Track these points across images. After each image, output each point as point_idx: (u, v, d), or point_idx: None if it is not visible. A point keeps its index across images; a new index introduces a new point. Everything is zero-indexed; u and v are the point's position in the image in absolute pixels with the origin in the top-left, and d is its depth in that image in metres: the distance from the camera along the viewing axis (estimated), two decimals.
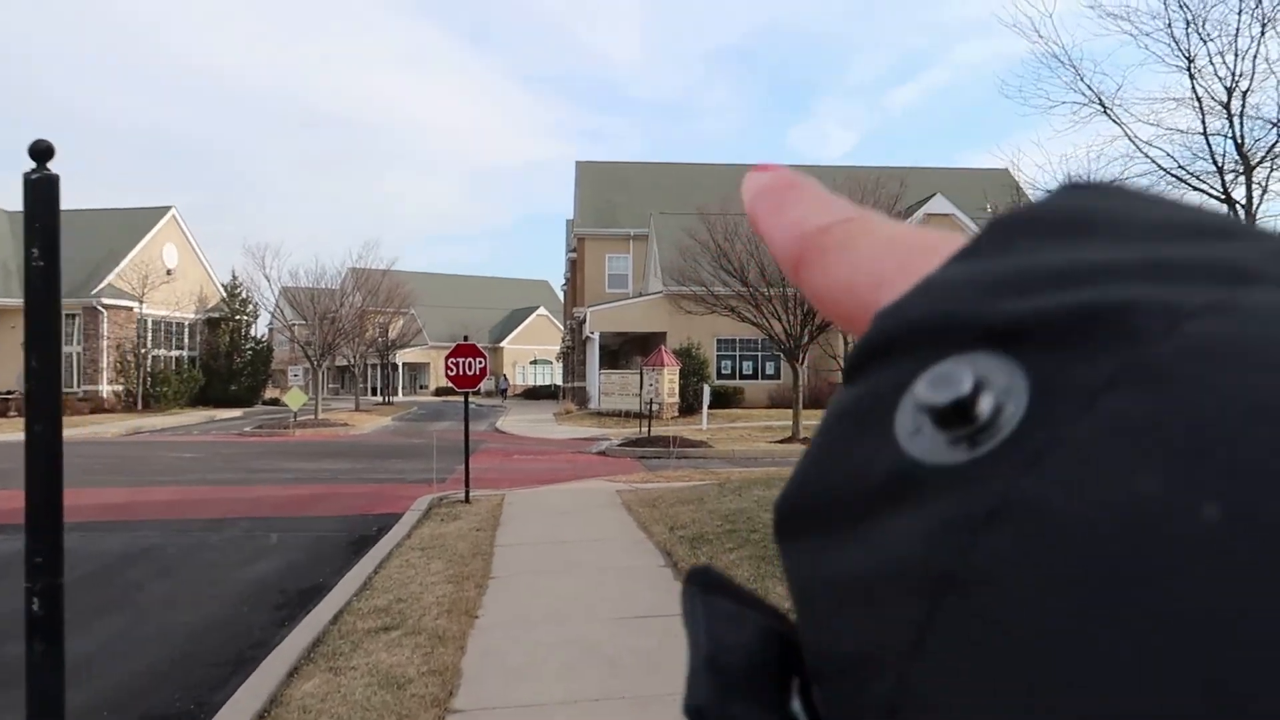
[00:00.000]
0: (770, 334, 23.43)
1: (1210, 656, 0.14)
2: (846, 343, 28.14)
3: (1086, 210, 0.22)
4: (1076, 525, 0.16)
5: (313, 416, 32.02)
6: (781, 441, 22.88)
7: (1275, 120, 16.05)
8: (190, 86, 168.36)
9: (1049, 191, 0.24)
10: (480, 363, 11.78)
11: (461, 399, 12.13)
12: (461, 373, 11.74)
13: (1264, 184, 16.61)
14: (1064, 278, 0.20)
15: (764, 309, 23.14)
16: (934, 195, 34.51)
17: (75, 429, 29.68)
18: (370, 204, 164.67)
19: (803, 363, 23.54)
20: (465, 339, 11.94)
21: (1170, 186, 17.45)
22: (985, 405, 0.19)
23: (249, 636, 6.31)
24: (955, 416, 0.19)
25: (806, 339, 23.17)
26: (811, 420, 24.35)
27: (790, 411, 32.35)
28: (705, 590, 0.24)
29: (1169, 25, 16.45)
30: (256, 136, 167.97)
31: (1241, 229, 0.21)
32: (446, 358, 11.72)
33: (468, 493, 11.90)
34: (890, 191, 24.66)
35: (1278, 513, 0.14)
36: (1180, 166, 17.19)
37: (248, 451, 21.45)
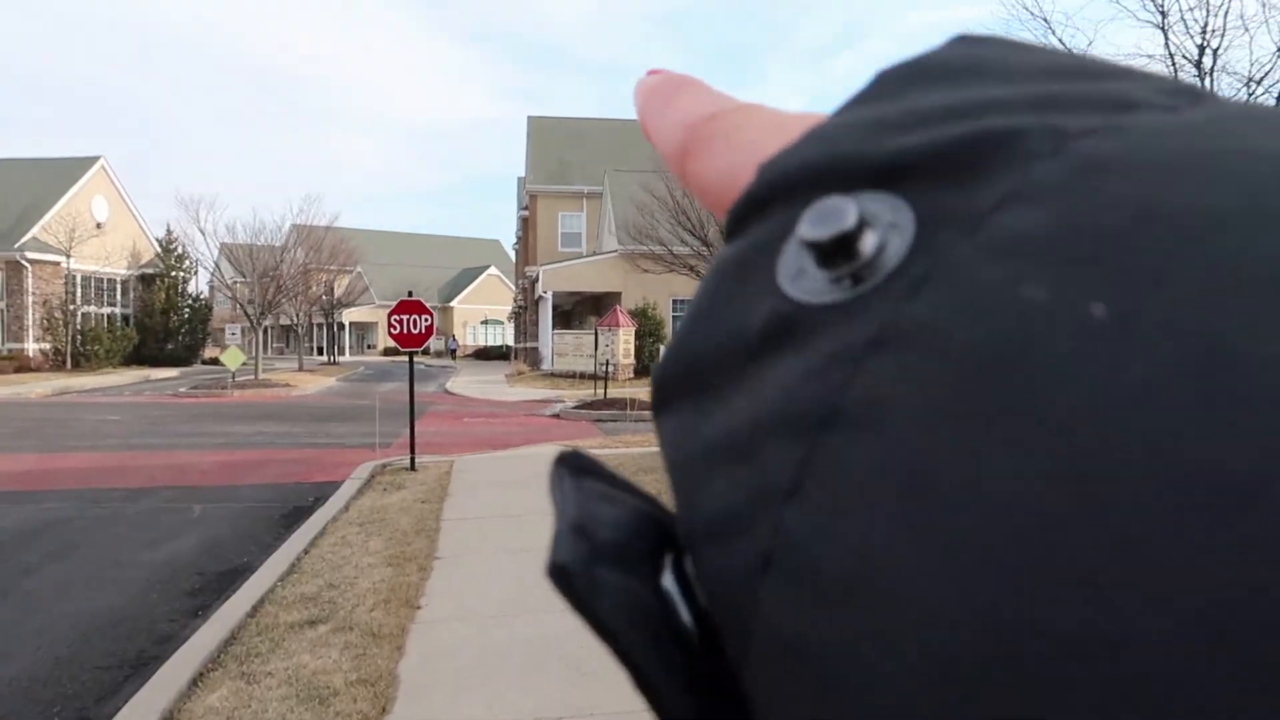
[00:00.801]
0: None
1: (1102, 459, 0.13)
2: None
3: (975, 56, 0.22)
4: (959, 342, 0.15)
5: (253, 377, 30.72)
6: None
7: (1247, 78, 15.60)
8: (122, 39, 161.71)
9: (940, 44, 0.23)
10: (426, 320, 10.88)
11: (417, 357, 11.23)
12: (406, 330, 10.82)
13: None
14: (950, 113, 0.19)
15: None
16: None
17: None
18: (315, 163, 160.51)
19: None
20: (410, 294, 11.01)
21: None
22: (869, 242, 0.18)
23: (153, 631, 5.45)
24: (839, 253, 0.18)
25: None
26: None
27: None
28: (576, 472, 0.24)
29: None
30: (197, 91, 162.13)
31: (1131, 71, 0.20)
32: (389, 314, 10.79)
33: (413, 459, 11.05)
34: None
35: (1164, 308, 0.14)
36: None
37: (179, 414, 20.27)
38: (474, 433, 17.06)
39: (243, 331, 32.80)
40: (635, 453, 11.97)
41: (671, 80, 0.30)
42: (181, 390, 28.35)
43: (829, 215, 0.18)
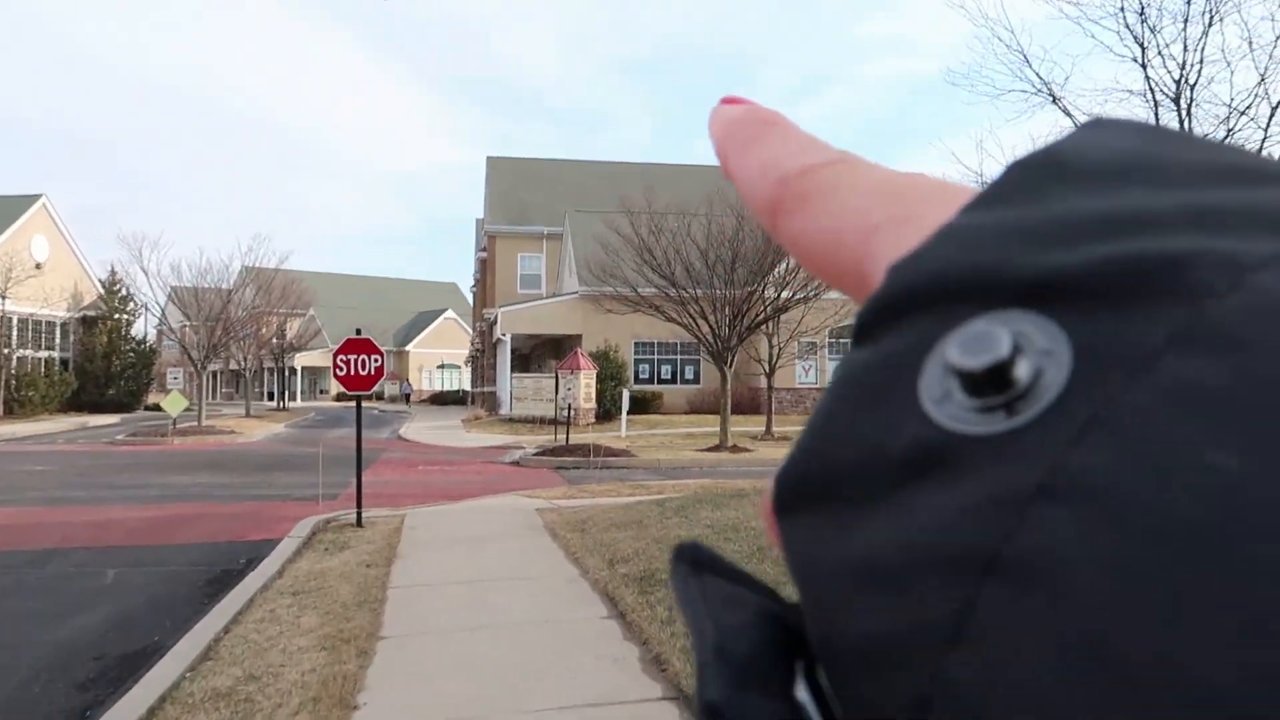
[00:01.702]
0: (697, 335, 22.00)
1: None
2: (771, 345, 26.95)
3: (1118, 151, 0.20)
4: (1144, 504, 0.14)
5: (196, 423, 29.30)
6: (709, 450, 21.43)
7: (1227, 110, 15.32)
8: (84, 81, 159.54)
9: (1071, 130, 0.22)
10: (376, 360, 9.95)
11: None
12: (353, 372, 9.88)
13: None
14: (1106, 227, 0.18)
15: (690, 309, 21.70)
16: None
17: None
18: (271, 206, 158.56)
19: (731, 366, 22.17)
20: (359, 333, 10.08)
21: None
22: (1024, 369, 0.17)
23: None
24: (990, 382, 0.17)
25: (735, 340, 21.81)
26: (740, 427, 23.01)
27: (712, 418, 31.09)
28: (696, 569, 0.23)
29: (1122, 10, 15.66)
30: (154, 135, 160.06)
31: None
32: (335, 354, 9.85)
33: (359, 514, 10.05)
34: None
35: None
36: None
37: (112, 463, 18.96)
38: (428, 482, 16.03)
39: (186, 376, 31.41)
40: (604, 504, 11.07)
41: (756, 116, 0.28)
42: (119, 438, 26.89)
43: (981, 342, 0.17)
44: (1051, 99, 16.89)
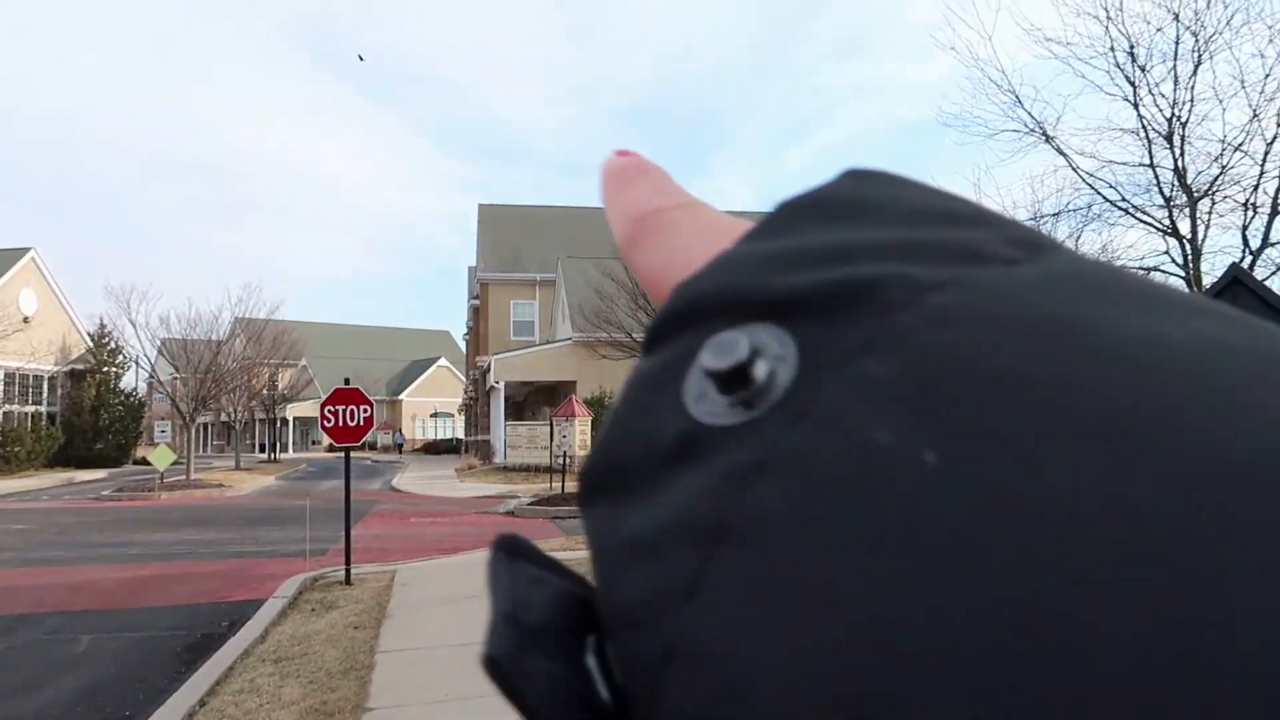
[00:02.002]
0: None
1: (925, 587, 0.16)
2: None
3: (860, 195, 0.24)
4: (824, 474, 0.18)
5: (184, 477, 28.78)
6: None
7: (1221, 146, 15.24)
8: (73, 133, 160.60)
9: (835, 177, 0.26)
10: (365, 411, 9.62)
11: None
12: (342, 423, 9.54)
13: (1207, 219, 15.79)
14: (831, 255, 0.22)
15: None
16: None
17: None
18: (263, 257, 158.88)
19: None
20: (347, 382, 9.75)
21: (1118, 218, 16.57)
22: (760, 371, 0.20)
23: None
24: (735, 381, 0.20)
25: None
26: None
27: None
28: (511, 556, 0.25)
29: (1111, 50, 15.63)
30: (146, 186, 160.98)
31: (989, 216, 0.23)
32: (323, 405, 9.51)
33: (348, 571, 9.64)
34: None
35: (982, 459, 0.16)
36: (1124, 199, 16.34)
37: (96, 520, 18.47)
38: (421, 535, 15.59)
39: (175, 429, 30.92)
40: None
41: (634, 165, 0.32)
42: (104, 493, 26.36)
43: (727, 348, 0.21)
44: (1044, 138, 16.83)
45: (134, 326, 30.18)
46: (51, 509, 21.95)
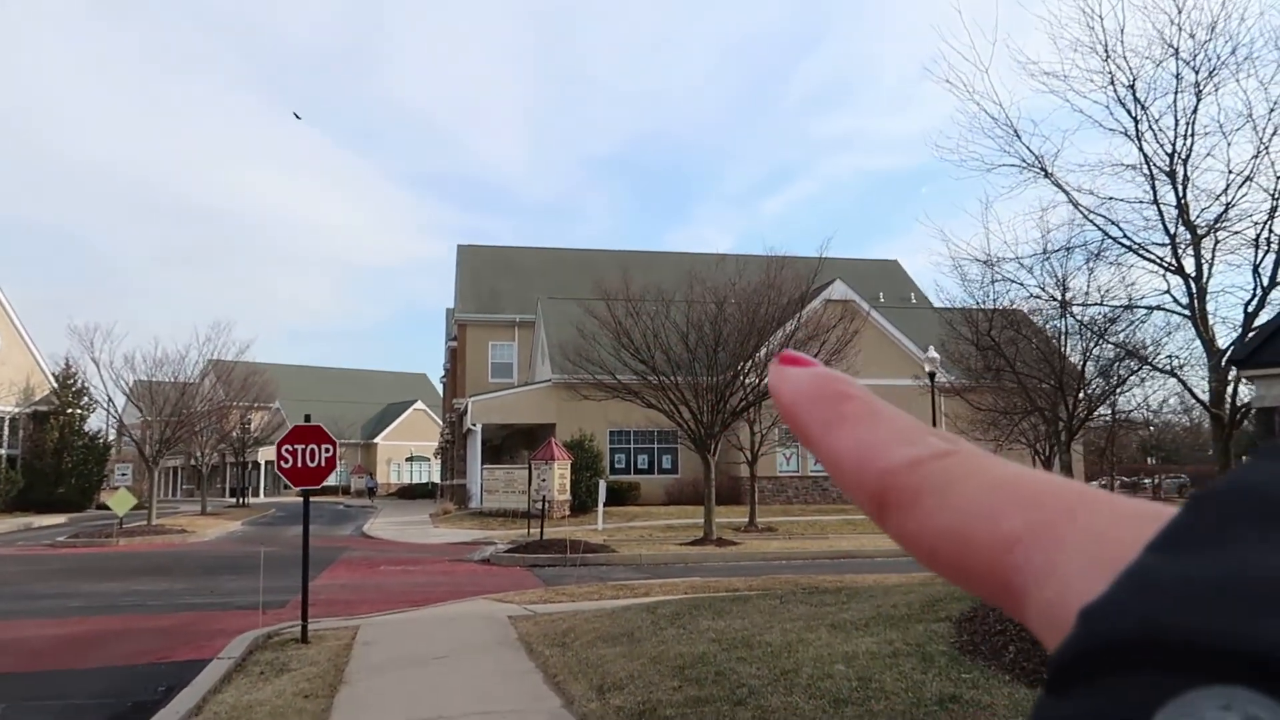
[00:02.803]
0: (678, 422, 20.91)
1: None
2: (753, 433, 25.92)
3: None
4: None
5: (145, 523, 27.55)
6: (693, 544, 20.14)
7: (1226, 181, 14.79)
8: (42, 173, 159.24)
9: (1250, 458, 0.21)
10: (327, 450, 8.77)
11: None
12: (301, 464, 8.67)
13: (1211, 256, 15.31)
14: None
15: (670, 394, 20.67)
16: (834, 281, 33.16)
17: None
18: (236, 301, 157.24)
19: (714, 454, 21.04)
20: (307, 419, 8.90)
21: (1120, 255, 16.08)
22: None
23: None
24: None
25: (718, 427, 20.74)
26: (721, 519, 21.77)
27: (692, 509, 29.76)
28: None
29: (1112, 83, 15.24)
30: (115, 226, 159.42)
31: None
32: (279, 444, 8.65)
33: (305, 629, 8.71)
34: (802, 274, 22.74)
35: None
36: (1126, 236, 15.86)
37: (42, 569, 17.34)
38: (389, 585, 14.62)
39: (137, 473, 29.74)
40: (587, 609, 9.79)
41: (830, 389, 0.28)
42: (59, 539, 25.10)
43: None
44: (1044, 174, 16.36)
45: (96, 365, 29.05)
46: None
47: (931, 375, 23.38)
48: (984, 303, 12.35)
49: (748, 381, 21.16)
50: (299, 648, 8.38)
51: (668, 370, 20.69)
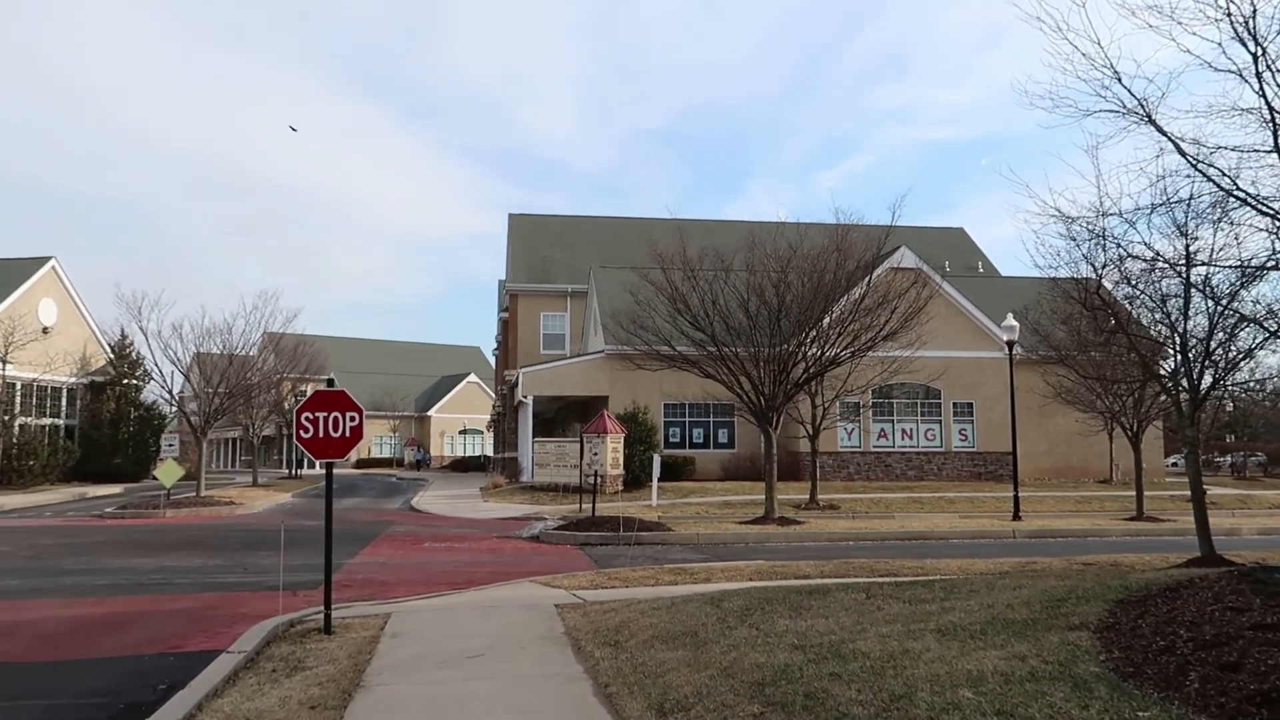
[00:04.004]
0: (739, 393, 19.73)
1: None
2: (815, 406, 24.63)
3: None
4: None
5: (194, 494, 27.23)
6: (753, 522, 19.01)
7: None
8: (107, 150, 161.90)
9: None
10: (353, 419, 7.80)
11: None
12: (323, 433, 7.72)
13: None
14: None
15: (730, 365, 19.48)
16: (899, 248, 31.51)
17: None
18: (294, 275, 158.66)
19: (776, 427, 19.83)
20: (330, 383, 7.94)
21: (1233, 208, 14.47)
22: None
23: None
24: None
25: (781, 399, 19.51)
26: (780, 495, 20.62)
27: (750, 485, 28.58)
28: None
29: (1227, 16, 13.59)
30: (178, 202, 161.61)
31: None
32: (299, 411, 7.69)
33: (328, 619, 7.80)
34: (871, 239, 21.28)
35: None
36: (1239, 189, 14.24)
37: (79, 542, 16.83)
38: (432, 563, 13.75)
39: (184, 444, 29.45)
40: (642, 598, 8.74)
41: None
42: (108, 510, 24.85)
43: None
44: (1146, 119, 14.77)
45: (144, 334, 28.70)
46: (43, 527, 20.39)
47: (1010, 345, 21.83)
48: (1092, 262, 10.96)
49: (810, 352, 19.89)
50: (320, 640, 7.46)
51: (727, 339, 19.51)
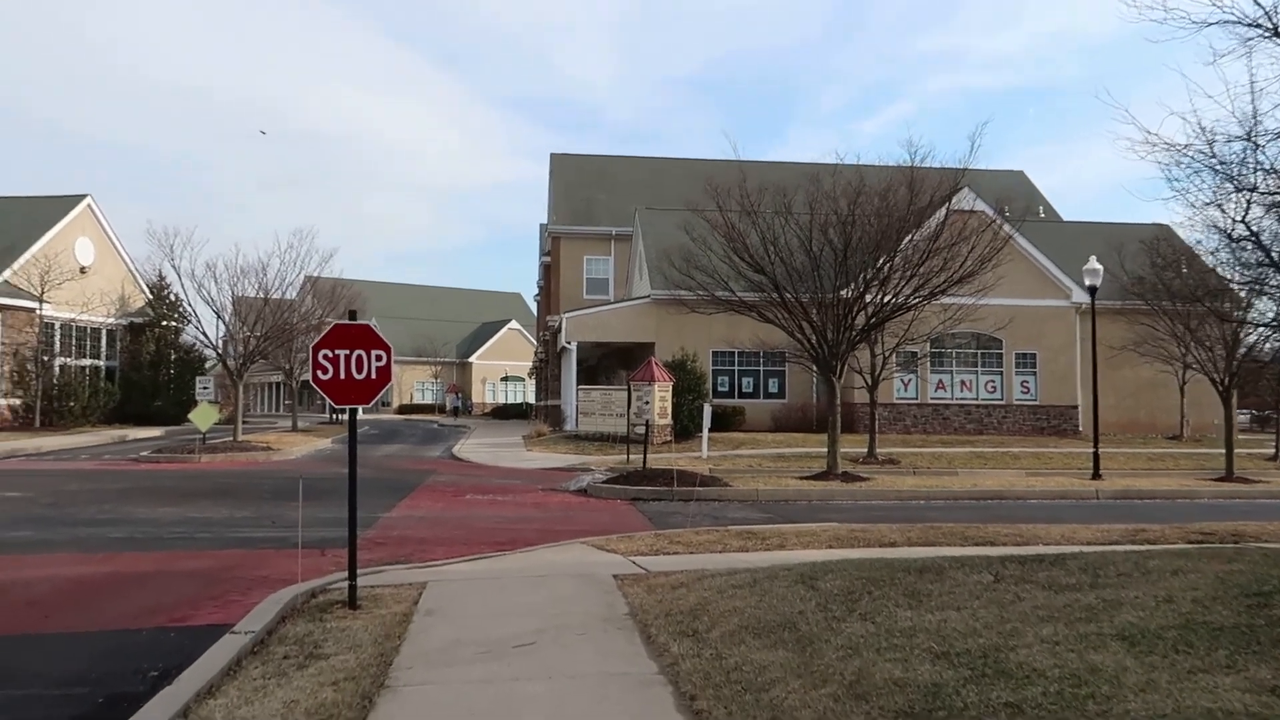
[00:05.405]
0: (801, 340, 18.37)
1: None
2: (874, 355, 23.21)
3: None
4: None
5: (231, 439, 26.55)
6: (814, 478, 17.75)
7: None
8: (145, 99, 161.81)
9: None
10: (379, 358, 6.62)
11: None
12: (344, 374, 6.55)
13: None
14: None
15: (792, 310, 18.09)
16: (961, 188, 29.65)
17: None
18: (334, 224, 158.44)
19: (840, 376, 18.47)
20: (352, 315, 6.76)
21: None
22: None
23: None
24: None
25: (845, 346, 18.12)
26: (843, 448, 19.33)
27: (801, 436, 27.32)
28: None
29: None
30: (218, 149, 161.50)
31: None
32: (315, 348, 6.53)
33: (353, 592, 6.69)
34: (940, 180, 19.63)
35: None
36: None
37: (105, 488, 16.03)
38: (474, 518, 12.71)
39: (218, 386, 28.75)
40: (713, 568, 7.53)
41: None
42: (143, 454, 24.22)
43: None
44: (1271, 34, 13.01)
45: (177, 273, 27.91)
46: (72, 471, 19.71)
47: (1093, 291, 20.15)
48: (1241, 185, 9.45)
49: (875, 298, 18.44)
50: (343, 616, 6.38)
51: (787, 283, 18.10)
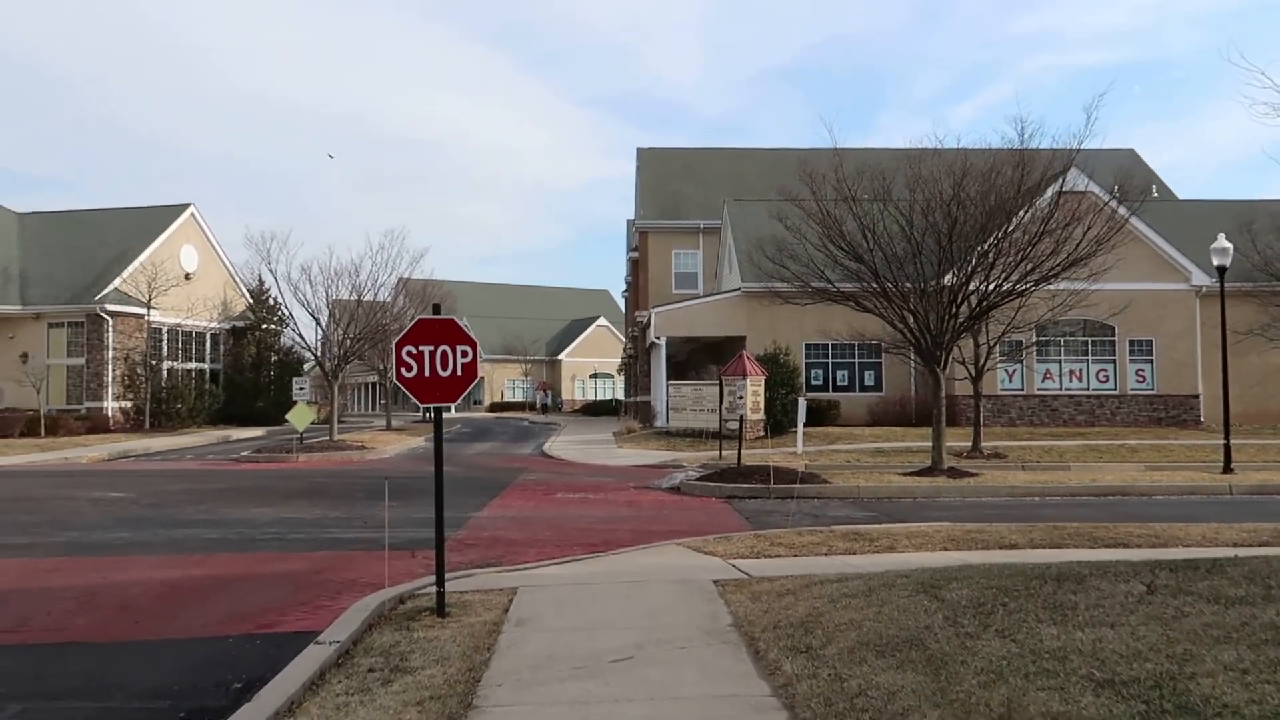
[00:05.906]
0: (904, 330, 17.56)
1: None
2: (977, 345, 22.20)
3: None
4: None
5: (327, 438, 26.95)
6: (918, 474, 16.94)
7: None
8: (246, 112, 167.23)
9: None
10: (465, 354, 6.28)
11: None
12: (429, 372, 6.23)
13: None
14: None
15: (893, 300, 17.29)
16: (1069, 169, 28.20)
17: (48, 453, 25.07)
18: (425, 226, 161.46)
19: (945, 367, 17.60)
20: (436, 310, 6.43)
21: None
22: None
23: None
24: None
25: (950, 335, 17.24)
26: (952, 441, 18.40)
27: (900, 431, 26.36)
28: None
29: None
30: (313, 161, 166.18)
31: None
32: (398, 345, 6.22)
33: (440, 599, 6.37)
34: (1051, 159, 18.52)
35: None
36: None
37: (204, 488, 16.26)
38: (565, 518, 12.38)
39: (315, 387, 29.23)
40: (820, 573, 6.98)
41: None
42: (244, 454, 24.74)
43: None
44: None
45: (274, 276, 28.45)
46: (176, 471, 20.17)
47: (1222, 271, 18.75)
48: None
49: (982, 286, 17.50)
50: (431, 625, 6.05)
51: (887, 271, 17.31)
